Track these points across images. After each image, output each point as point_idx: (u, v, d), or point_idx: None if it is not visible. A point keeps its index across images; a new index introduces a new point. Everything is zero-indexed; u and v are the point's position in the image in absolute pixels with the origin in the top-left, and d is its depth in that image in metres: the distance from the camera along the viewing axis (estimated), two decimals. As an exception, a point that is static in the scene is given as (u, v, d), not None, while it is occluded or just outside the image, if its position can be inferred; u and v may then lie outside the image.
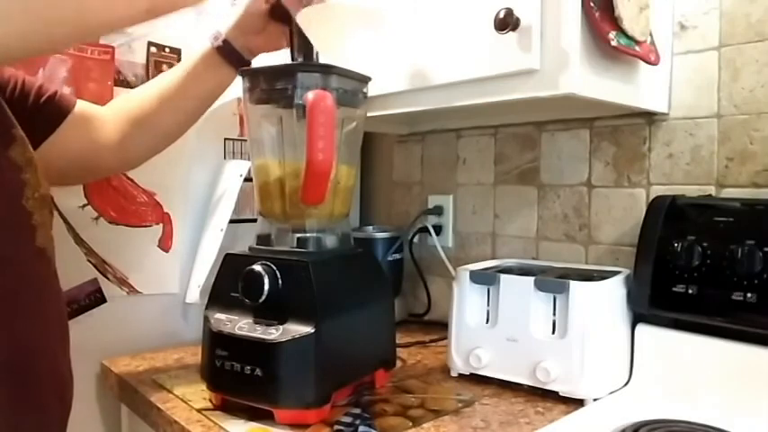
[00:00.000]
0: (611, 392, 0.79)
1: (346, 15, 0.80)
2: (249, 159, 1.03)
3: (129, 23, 0.57)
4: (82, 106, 0.81)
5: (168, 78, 0.85)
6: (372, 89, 0.87)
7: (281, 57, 0.87)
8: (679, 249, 0.76)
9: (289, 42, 0.82)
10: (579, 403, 0.77)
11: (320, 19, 0.77)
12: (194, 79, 0.84)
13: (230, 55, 0.84)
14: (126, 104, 0.85)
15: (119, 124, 0.83)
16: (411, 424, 0.71)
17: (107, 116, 0.83)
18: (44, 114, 0.76)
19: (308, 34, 0.77)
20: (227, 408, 0.75)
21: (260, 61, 0.89)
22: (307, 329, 0.71)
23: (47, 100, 0.77)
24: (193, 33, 1.04)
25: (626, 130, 0.95)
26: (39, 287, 0.62)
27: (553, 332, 0.80)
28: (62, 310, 0.68)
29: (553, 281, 0.81)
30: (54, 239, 0.67)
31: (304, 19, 0.76)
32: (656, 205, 0.83)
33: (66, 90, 0.92)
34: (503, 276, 0.85)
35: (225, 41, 0.84)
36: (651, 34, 0.80)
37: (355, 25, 0.81)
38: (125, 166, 0.92)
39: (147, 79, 1.01)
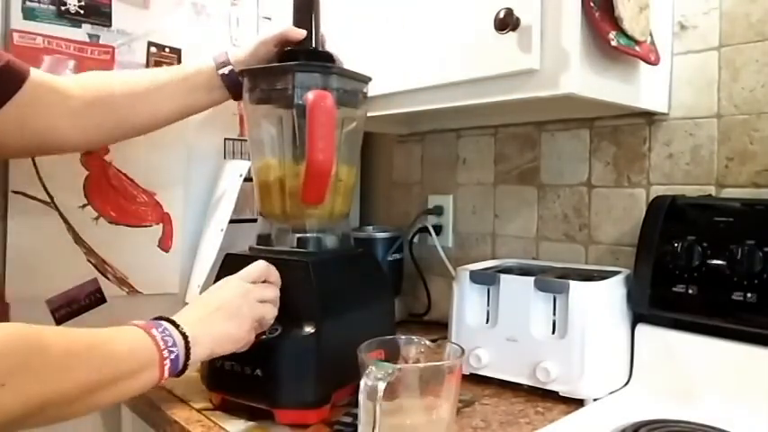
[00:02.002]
0: (611, 392, 0.79)
1: None
2: (249, 159, 1.03)
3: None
4: (37, 75, 0.76)
5: (158, 77, 0.85)
6: (372, 89, 0.87)
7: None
8: (679, 249, 0.76)
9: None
10: (579, 403, 0.77)
11: None
12: (189, 91, 0.85)
13: (232, 84, 0.85)
14: (101, 83, 0.82)
15: (86, 101, 0.80)
16: (411, 424, 0.71)
17: (71, 89, 0.79)
18: None
19: None
20: (227, 408, 0.75)
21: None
22: (307, 329, 0.71)
23: None
24: (193, 33, 1.05)
25: (626, 130, 0.95)
26: None
27: (553, 332, 0.80)
28: None
29: (553, 281, 0.81)
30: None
31: None
32: (656, 205, 0.83)
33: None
34: (503, 276, 0.85)
35: (231, 71, 0.85)
36: (651, 34, 0.80)
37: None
38: (83, 145, 0.87)
39: (147, 79, 1.01)
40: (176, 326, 0.61)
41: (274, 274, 0.73)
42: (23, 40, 0.88)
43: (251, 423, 0.71)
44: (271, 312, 0.70)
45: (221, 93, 0.86)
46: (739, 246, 0.72)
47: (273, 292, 0.71)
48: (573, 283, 0.79)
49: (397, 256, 1.21)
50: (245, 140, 1.13)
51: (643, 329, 0.82)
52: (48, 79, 0.78)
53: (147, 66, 1.01)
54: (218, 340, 0.64)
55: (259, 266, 0.72)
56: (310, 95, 0.71)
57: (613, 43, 0.72)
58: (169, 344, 0.59)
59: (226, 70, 0.85)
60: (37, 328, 0.52)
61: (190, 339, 0.61)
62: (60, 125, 0.78)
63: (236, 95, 0.87)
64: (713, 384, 0.74)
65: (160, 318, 0.62)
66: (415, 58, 0.86)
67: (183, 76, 0.86)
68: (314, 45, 0.84)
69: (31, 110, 0.75)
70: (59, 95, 0.78)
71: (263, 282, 0.72)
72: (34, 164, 0.90)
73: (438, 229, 1.21)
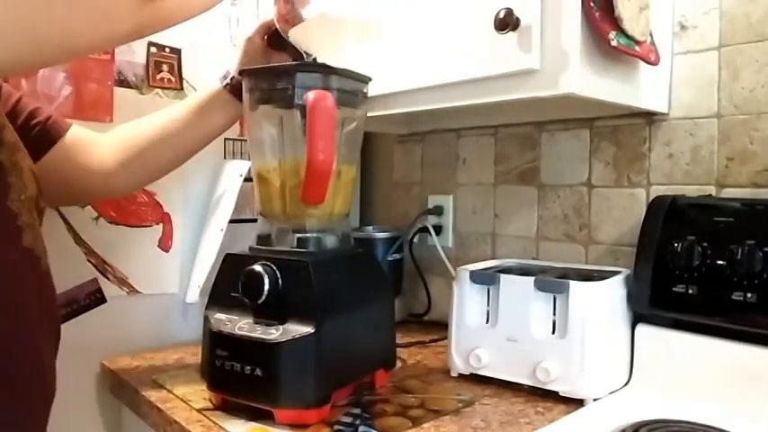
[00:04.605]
0: (611, 392, 0.79)
1: (341, 27, 0.81)
2: (249, 159, 1.03)
3: (114, 44, 0.61)
4: (75, 132, 0.81)
5: (173, 113, 0.86)
6: (372, 89, 0.87)
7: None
8: (679, 249, 0.76)
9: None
10: (579, 403, 0.77)
11: (316, 32, 0.78)
12: (203, 115, 0.85)
13: (239, 92, 0.85)
14: (127, 133, 0.85)
15: (116, 152, 0.83)
16: (411, 424, 0.71)
17: (105, 143, 0.84)
18: (32, 140, 0.74)
19: (305, 48, 0.80)
20: (227, 408, 0.75)
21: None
22: (307, 329, 0.71)
23: (37, 125, 0.77)
24: (193, 33, 1.05)
25: (626, 130, 0.95)
26: (26, 287, 0.62)
27: (553, 332, 0.80)
28: (51, 309, 0.68)
29: (553, 281, 0.81)
30: (47, 239, 0.66)
31: (298, 34, 0.78)
32: (656, 205, 0.83)
33: (66, 92, 0.92)
34: (503, 276, 0.85)
35: (233, 78, 0.85)
36: (651, 34, 0.80)
37: (351, 36, 0.82)
38: (113, 194, 0.92)
39: (147, 79, 1.01)
40: None
41: None
42: (23, 40, 0.88)
43: (251, 423, 0.71)
44: None
45: (234, 106, 0.86)
46: (739, 246, 0.72)
47: None
48: (573, 283, 0.79)
49: (397, 256, 1.21)
50: (245, 140, 1.13)
51: (643, 329, 0.82)
52: (85, 136, 0.83)
53: (147, 65, 1.01)
54: None
55: None
56: (310, 95, 0.71)
57: (613, 43, 0.72)
58: None
59: (228, 80, 0.85)
60: None
61: None
62: (91, 180, 0.84)
63: None
64: (713, 384, 0.74)
65: None
66: (415, 58, 0.86)
67: (196, 103, 0.86)
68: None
69: (61, 166, 0.80)
70: (93, 152, 0.83)
71: None
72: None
73: (438, 229, 1.21)
